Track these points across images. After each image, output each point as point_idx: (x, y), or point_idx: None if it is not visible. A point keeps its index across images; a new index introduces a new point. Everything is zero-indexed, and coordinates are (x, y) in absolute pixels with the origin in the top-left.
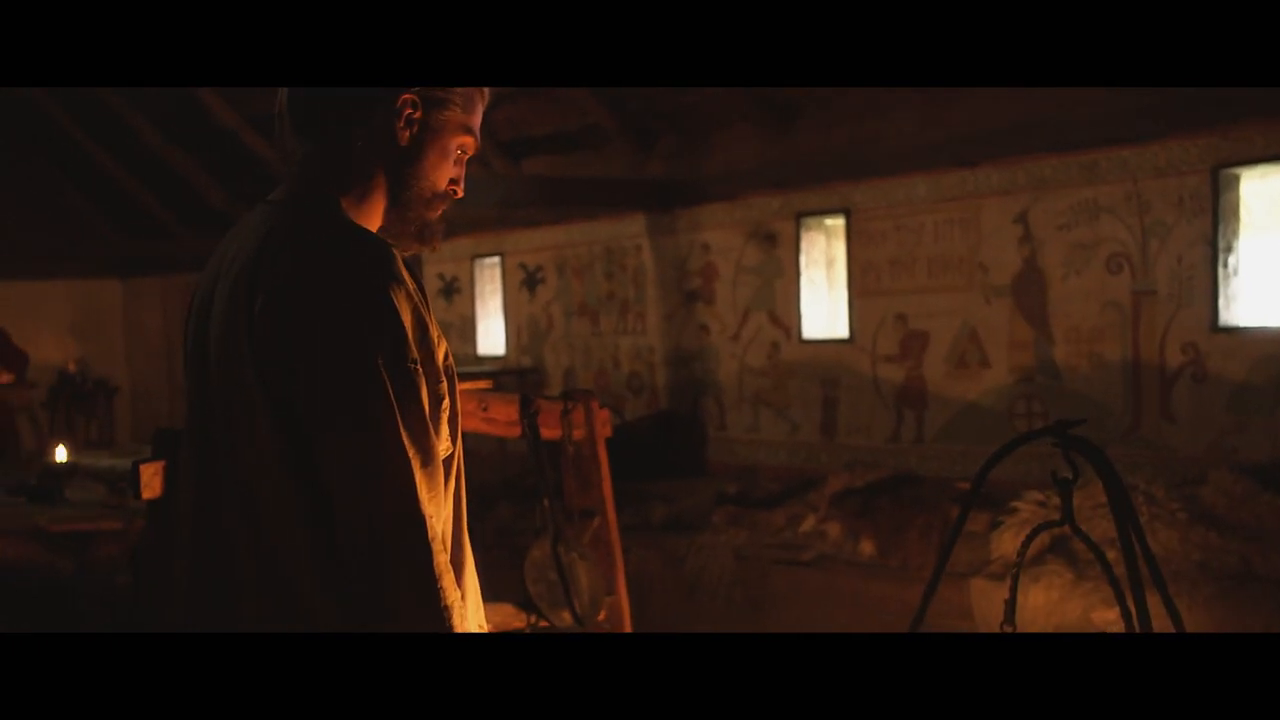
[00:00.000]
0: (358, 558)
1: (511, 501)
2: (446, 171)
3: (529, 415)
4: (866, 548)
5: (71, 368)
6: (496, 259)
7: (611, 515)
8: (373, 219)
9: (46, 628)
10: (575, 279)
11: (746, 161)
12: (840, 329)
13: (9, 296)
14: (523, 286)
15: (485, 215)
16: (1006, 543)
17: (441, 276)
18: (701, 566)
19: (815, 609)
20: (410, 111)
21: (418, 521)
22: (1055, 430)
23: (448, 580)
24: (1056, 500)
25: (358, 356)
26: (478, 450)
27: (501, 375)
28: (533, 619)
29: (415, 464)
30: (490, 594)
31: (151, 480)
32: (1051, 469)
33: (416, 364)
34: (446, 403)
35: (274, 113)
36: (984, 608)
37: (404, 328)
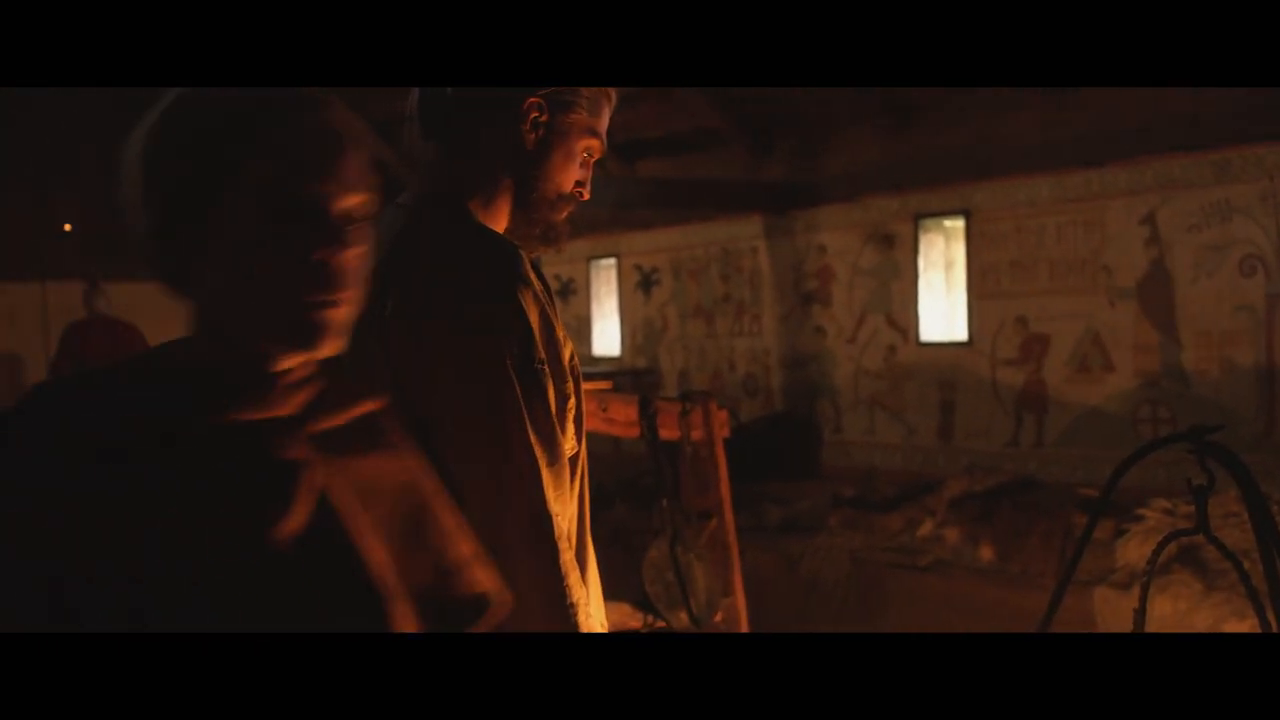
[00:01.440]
0: (492, 553)
1: (628, 501)
2: (572, 174)
3: (648, 416)
4: (985, 553)
5: None
6: (612, 260)
7: (729, 516)
8: (499, 220)
9: None
10: (691, 280)
11: (865, 163)
12: (959, 332)
13: (143, 297)
14: (638, 288)
15: (601, 217)
16: (1132, 551)
17: (558, 278)
18: (817, 569)
19: (932, 614)
20: (536, 115)
21: (545, 519)
22: (1191, 436)
23: (574, 577)
24: (1185, 508)
25: (486, 357)
26: (593, 450)
27: (617, 376)
28: (649, 619)
29: (542, 463)
30: (607, 593)
31: None
32: (1186, 476)
33: (543, 364)
34: (572, 402)
35: (404, 115)
36: (1108, 616)
37: (531, 328)
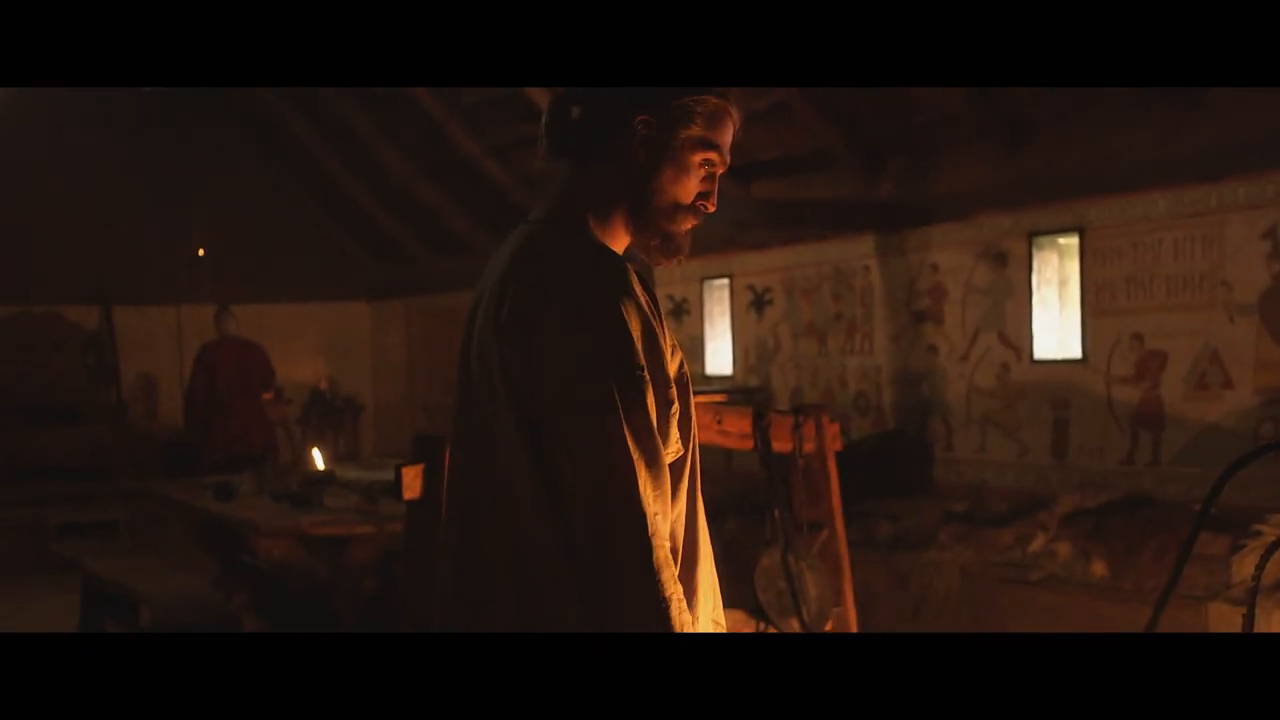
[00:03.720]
0: (583, 551)
1: (740, 516)
2: (688, 186)
3: (761, 428)
4: (1098, 569)
5: (323, 386)
6: (725, 280)
7: (840, 528)
8: (618, 233)
9: (305, 625)
10: (803, 300)
11: (977, 181)
12: (1073, 349)
13: (269, 318)
14: (751, 307)
15: (714, 237)
16: (1249, 566)
17: (671, 298)
18: (928, 584)
19: (1043, 629)
20: (644, 131)
21: (638, 517)
22: None
23: (667, 574)
24: None
25: (587, 363)
26: (704, 465)
27: (730, 395)
28: (762, 626)
29: (640, 465)
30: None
31: (413, 482)
32: None
33: (643, 371)
34: (676, 408)
35: (536, 136)
36: (1223, 631)
37: (631, 338)
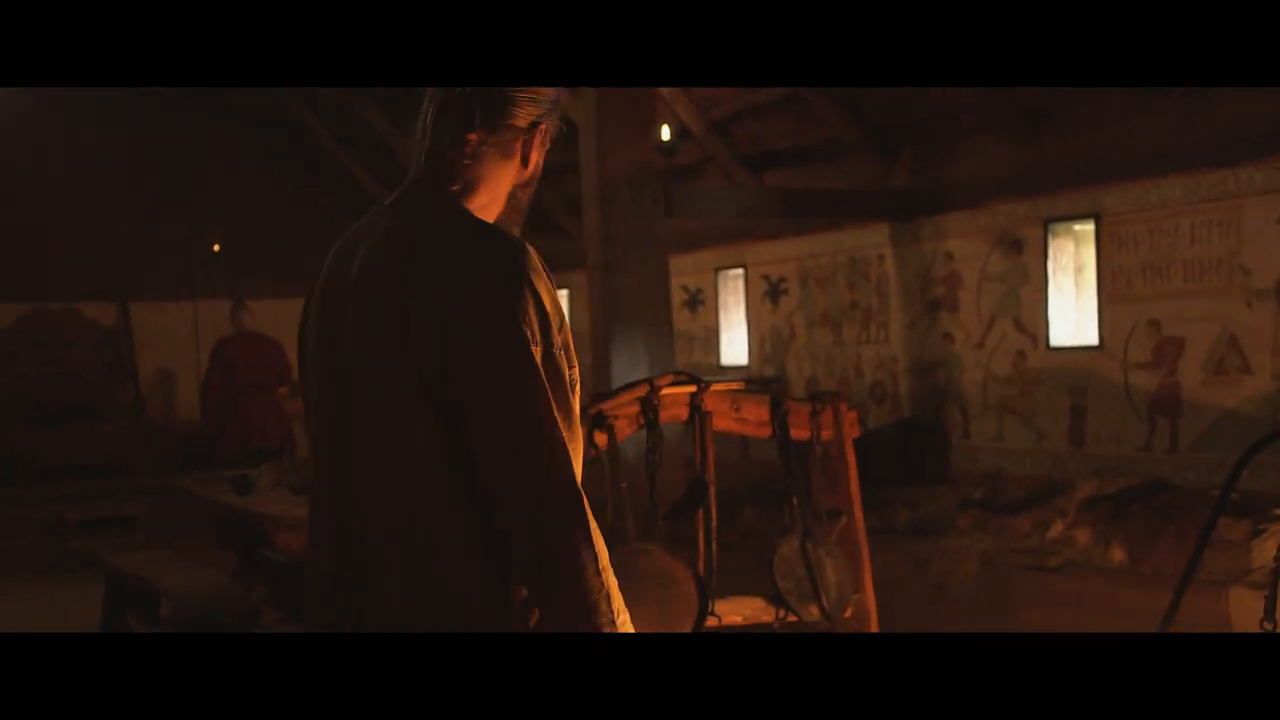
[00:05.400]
0: (526, 529)
1: (756, 505)
2: (538, 165)
3: (779, 416)
4: (1117, 554)
5: None
6: (740, 271)
7: (858, 515)
8: (490, 216)
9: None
10: (818, 289)
11: (992, 169)
12: (1089, 336)
13: (284, 313)
14: (765, 297)
15: (728, 228)
16: (1269, 551)
17: (685, 289)
18: (946, 570)
19: (1063, 614)
20: (541, 133)
21: (577, 492)
22: None
23: (603, 545)
24: None
25: (512, 343)
26: (721, 456)
27: (746, 384)
28: (781, 613)
29: (565, 443)
30: (738, 590)
31: None
32: None
33: (560, 349)
34: (578, 387)
35: (417, 114)
36: (1243, 617)
37: (549, 315)
